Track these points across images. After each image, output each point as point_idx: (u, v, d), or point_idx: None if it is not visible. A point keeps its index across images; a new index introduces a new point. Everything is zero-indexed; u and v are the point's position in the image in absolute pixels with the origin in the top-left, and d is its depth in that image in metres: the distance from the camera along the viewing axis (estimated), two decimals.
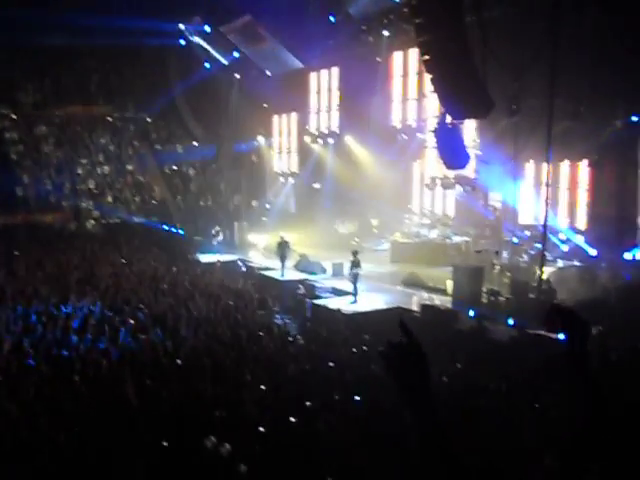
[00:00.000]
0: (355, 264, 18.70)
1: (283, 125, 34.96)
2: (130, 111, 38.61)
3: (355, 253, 19.04)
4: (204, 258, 26.10)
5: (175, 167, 37.86)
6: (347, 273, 19.06)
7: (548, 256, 18.98)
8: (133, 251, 25.72)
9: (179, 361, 11.92)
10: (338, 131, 30.16)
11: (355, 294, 18.75)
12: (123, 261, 23.46)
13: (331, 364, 11.79)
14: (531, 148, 18.84)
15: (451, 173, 23.69)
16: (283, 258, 22.53)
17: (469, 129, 23.06)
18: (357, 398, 9.77)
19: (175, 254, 25.93)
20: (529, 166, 22.69)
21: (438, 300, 18.76)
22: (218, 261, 25.01)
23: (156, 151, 38.25)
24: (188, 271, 22.19)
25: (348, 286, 19.56)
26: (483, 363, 12.04)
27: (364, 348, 13.18)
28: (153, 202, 35.65)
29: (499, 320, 15.82)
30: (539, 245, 18.52)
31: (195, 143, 39.01)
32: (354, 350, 13.09)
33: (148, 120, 39.11)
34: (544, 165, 18.77)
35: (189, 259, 25.46)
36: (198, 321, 15.16)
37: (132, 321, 14.81)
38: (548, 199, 17.65)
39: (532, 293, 16.92)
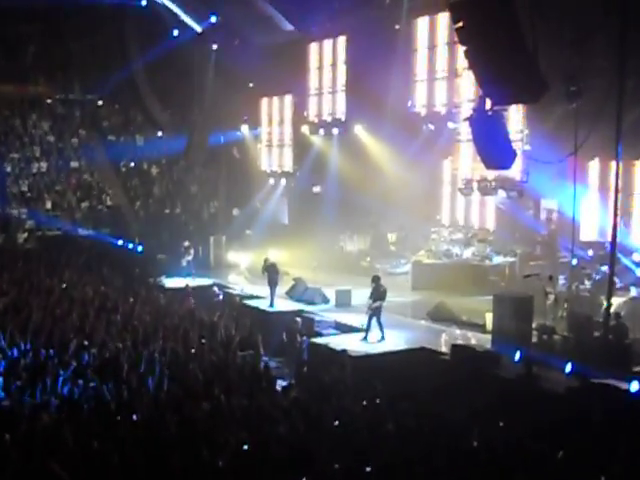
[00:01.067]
0: (378, 294, 18.72)
1: (274, 111, 35.06)
2: (76, 92, 38.79)
3: (377, 279, 19.08)
4: (170, 282, 26.06)
5: (133, 164, 37.93)
6: (367, 305, 19.01)
7: (617, 283, 18.92)
8: (77, 273, 25.68)
9: (135, 417, 11.86)
10: (345, 119, 30.24)
11: (368, 330, 18.74)
12: (64, 285, 23.42)
13: (335, 422, 11.75)
14: (596, 142, 18.86)
15: (492, 174, 23.68)
16: (271, 283, 22.54)
17: (515, 118, 23.11)
18: (368, 469, 9.72)
19: (132, 277, 25.88)
20: (593, 165, 22.70)
21: (474, 339, 18.74)
22: (188, 286, 24.96)
23: (109, 143, 38.34)
24: (149, 299, 22.14)
25: (357, 320, 19.53)
26: (532, 421, 12.00)
27: (377, 401, 13.13)
28: (104, 209, 35.67)
29: (553, 366, 15.76)
30: (606, 268, 18.48)
31: (159, 133, 39.10)
32: (364, 403, 13.04)
33: (99, 103, 39.25)
34: (612, 164, 18.77)
35: (150, 284, 25.42)
36: (161, 364, 15.11)
37: (74, 364, 14.76)
38: (618, 208, 17.64)
39: (597, 330, 16.86)
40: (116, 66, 36.07)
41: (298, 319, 20.55)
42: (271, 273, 22.69)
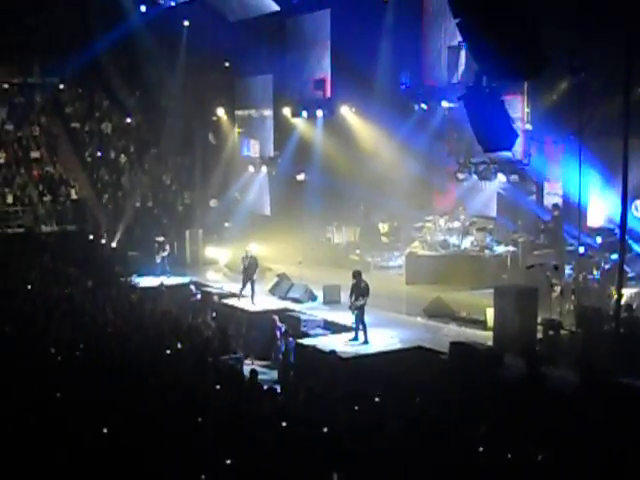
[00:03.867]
0: (360, 290, 18.61)
1: (252, 92, 34.92)
2: (35, 75, 38.46)
3: (357, 274, 18.96)
4: (143, 281, 26.00)
5: (100, 153, 37.74)
6: (349, 303, 18.91)
7: (629, 272, 18.97)
8: (40, 272, 25.56)
9: (105, 430, 11.80)
10: (330, 99, 30.13)
11: (357, 330, 18.69)
12: (28, 287, 23.31)
13: (324, 429, 11.71)
14: (603, 120, 18.88)
15: (491, 157, 23.67)
16: (249, 280, 22.55)
17: (515, 95, 23.08)
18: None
19: (101, 276, 25.78)
20: (601, 145, 22.72)
21: (474, 336, 18.73)
22: (162, 285, 24.92)
23: (73, 131, 38.11)
24: (119, 300, 22.07)
25: (347, 318, 19.49)
26: (537, 424, 11.99)
27: (370, 405, 13.10)
28: (69, 203, 35.48)
29: (560, 363, 15.79)
30: (616, 256, 18.52)
31: (128, 119, 38.92)
32: (357, 409, 13.02)
33: (61, 87, 38.98)
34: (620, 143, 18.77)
35: (121, 283, 25.35)
36: (134, 370, 15.04)
37: None
38: (627, 192, 17.64)
39: (607, 324, 16.90)
40: (78, 46, 35.72)
41: (282, 319, 20.48)
42: (251, 267, 22.67)
